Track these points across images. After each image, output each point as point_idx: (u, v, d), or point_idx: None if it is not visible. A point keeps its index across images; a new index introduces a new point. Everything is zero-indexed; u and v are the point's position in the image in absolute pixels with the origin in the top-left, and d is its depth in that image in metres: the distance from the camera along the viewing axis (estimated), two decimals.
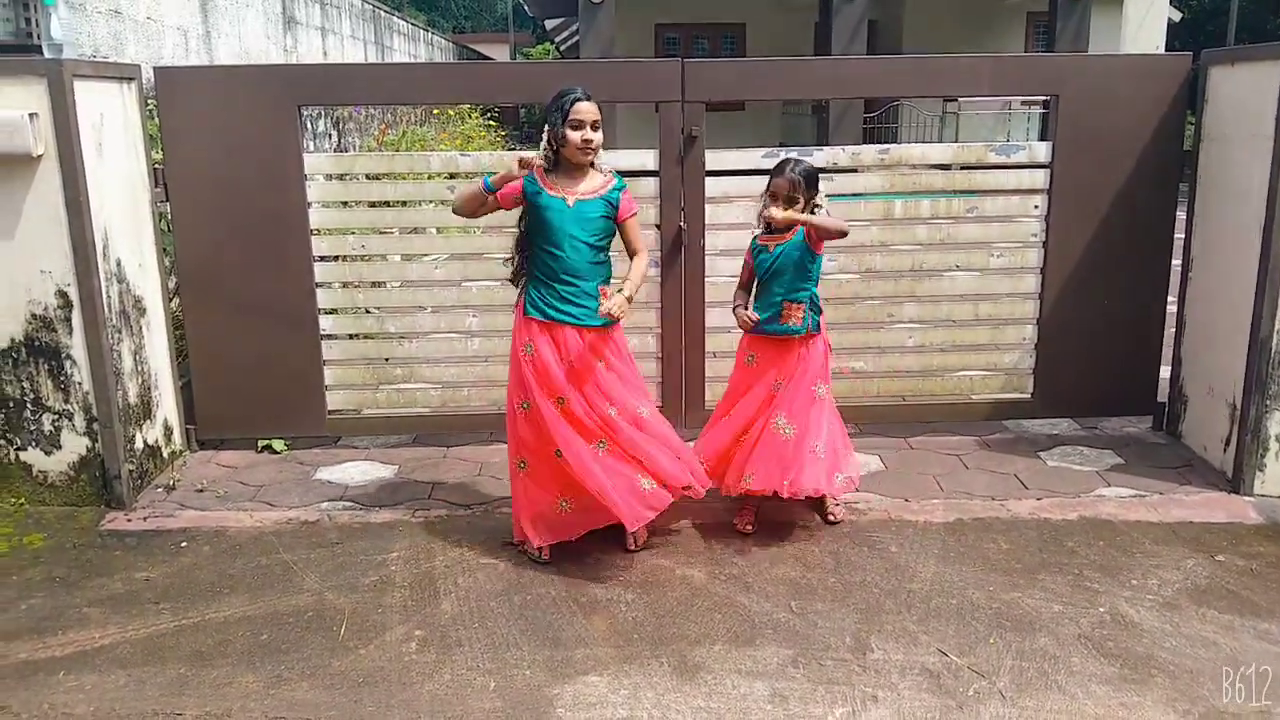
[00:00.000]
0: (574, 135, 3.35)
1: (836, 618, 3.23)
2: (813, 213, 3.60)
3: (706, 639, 3.12)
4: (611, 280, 3.54)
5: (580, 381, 3.46)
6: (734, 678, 2.92)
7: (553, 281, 3.43)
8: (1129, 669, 2.94)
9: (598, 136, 3.39)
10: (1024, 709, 2.77)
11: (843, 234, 3.59)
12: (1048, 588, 3.41)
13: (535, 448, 3.52)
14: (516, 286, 3.60)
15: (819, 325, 3.72)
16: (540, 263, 3.45)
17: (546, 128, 3.42)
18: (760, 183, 4.38)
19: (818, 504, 3.91)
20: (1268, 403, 4.06)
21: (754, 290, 3.79)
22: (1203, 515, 3.96)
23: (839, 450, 3.82)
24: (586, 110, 3.36)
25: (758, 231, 3.78)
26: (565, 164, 3.45)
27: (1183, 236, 4.56)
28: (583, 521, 3.60)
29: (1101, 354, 4.69)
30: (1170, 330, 4.70)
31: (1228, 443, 4.25)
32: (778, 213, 3.54)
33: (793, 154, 4.56)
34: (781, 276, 3.65)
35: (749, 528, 3.78)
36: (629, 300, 3.37)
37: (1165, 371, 4.78)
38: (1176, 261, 4.62)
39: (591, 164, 3.48)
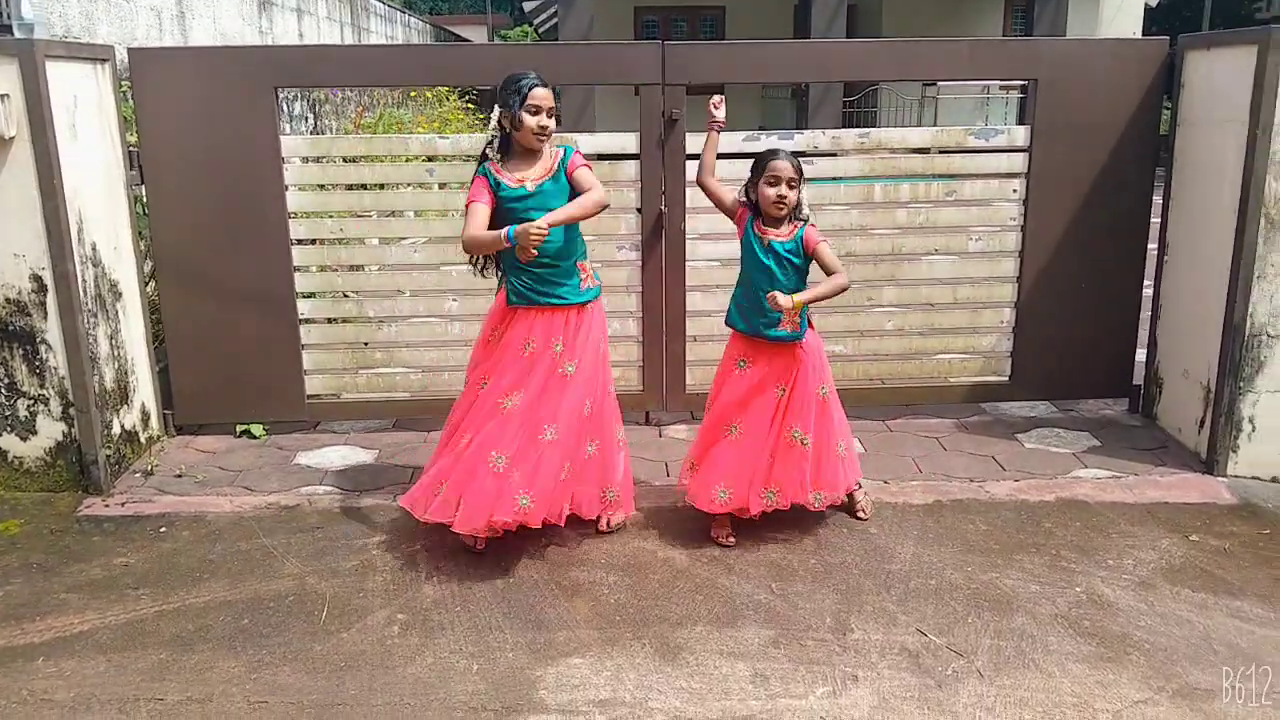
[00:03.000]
0: (531, 120, 3.33)
1: (817, 599, 3.26)
2: (798, 207, 3.48)
3: (688, 621, 3.14)
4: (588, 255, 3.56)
5: (539, 372, 3.42)
6: (716, 659, 2.95)
7: (534, 267, 3.39)
8: (1105, 647, 2.99)
9: (551, 123, 3.38)
10: (1002, 687, 2.80)
11: (844, 290, 3.45)
12: (1025, 568, 3.44)
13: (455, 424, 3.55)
14: (484, 276, 3.58)
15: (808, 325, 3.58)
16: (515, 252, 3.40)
17: (497, 110, 3.38)
18: (741, 166, 4.38)
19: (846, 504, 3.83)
20: (1241, 385, 4.11)
21: (743, 284, 3.58)
22: (1177, 496, 4.01)
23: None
24: (544, 96, 3.34)
25: (751, 215, 3.57)
26: (517, 150, 3.42)
27: (1159, 220, 4.60)
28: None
29: (1078, 337, 4.74)
30: (1146, 314, 4.75)
31: (1202, 424, 4.31)
32: (785, 300, 3.32)
33: (773, 138, 4.59)
34: (780, 278, 3.46)
35: (730, 540, 3.61)
36: (548, 224, 3.23)
37: (1141, 354, 4.83)
38: (1153, 245, 4.66)
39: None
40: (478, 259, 3.52)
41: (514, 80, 3.36)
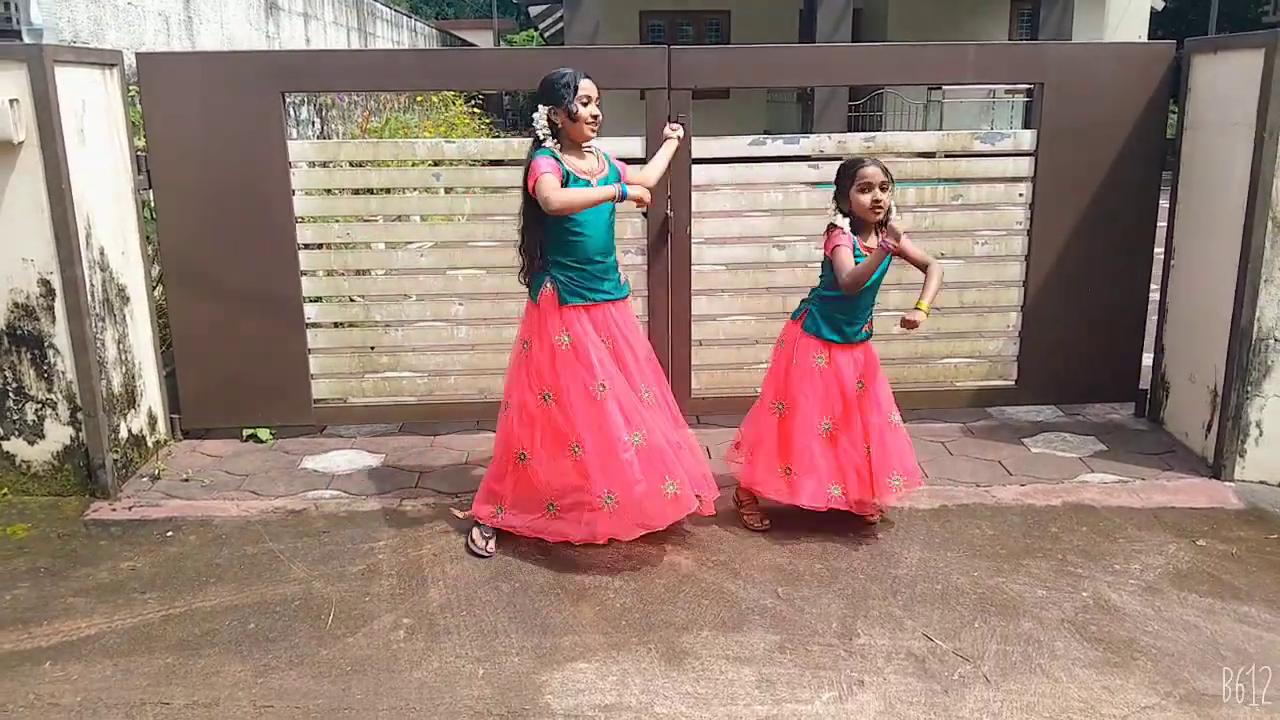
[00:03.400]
0: (585, 111, 3.37)
1: (823, 604, 3.25)
2: (886, 218, 3.47)
3: (694, 625, 3.14)
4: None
5: (623, 360, 3.51)
6: (721, 663, 2.94)
7: (584, 264, 3.44)
8: (1112, 652, 2.98)
9: (601, 113, 3.44)
10: (1008, 692, 2.80)
11: (942, 269, 3.56)
12: (1032, 573, 3.44)
13: (547, 442, 3.48)
14: (525, 283, 3.58)
15: None
16: (568, 248, 3.42)
17: (547, 107, 3.39)
18: (746, 171, 4.39)
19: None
20: (1248, 389, 4.10)
21: (846, 299, 3.55)
22: (1184, 501, 4.00)
23: None
24: (591, 86, 3.40)
25: (844, 232, 3.51)
26: (566, 144, 3.44)
27: (1165, 224, 4.59)
28: (559, 531, 3.57)
29: (1085, 341, 4.73)
30: (1153, 318, 4.74)
31: (1209, 429, 4.30)
32: (921, 316, 3.35)
33: (778, 142, 4.59)
34: (873, 289, 3.55)
35: (765, 524, 3.72)
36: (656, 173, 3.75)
37: (1148, 359, 4.82)
38: (1159, 249, 4.65)
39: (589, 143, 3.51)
40: (523, 265, 3.54)
41: (559, 77, 3.38)
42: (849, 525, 3.76)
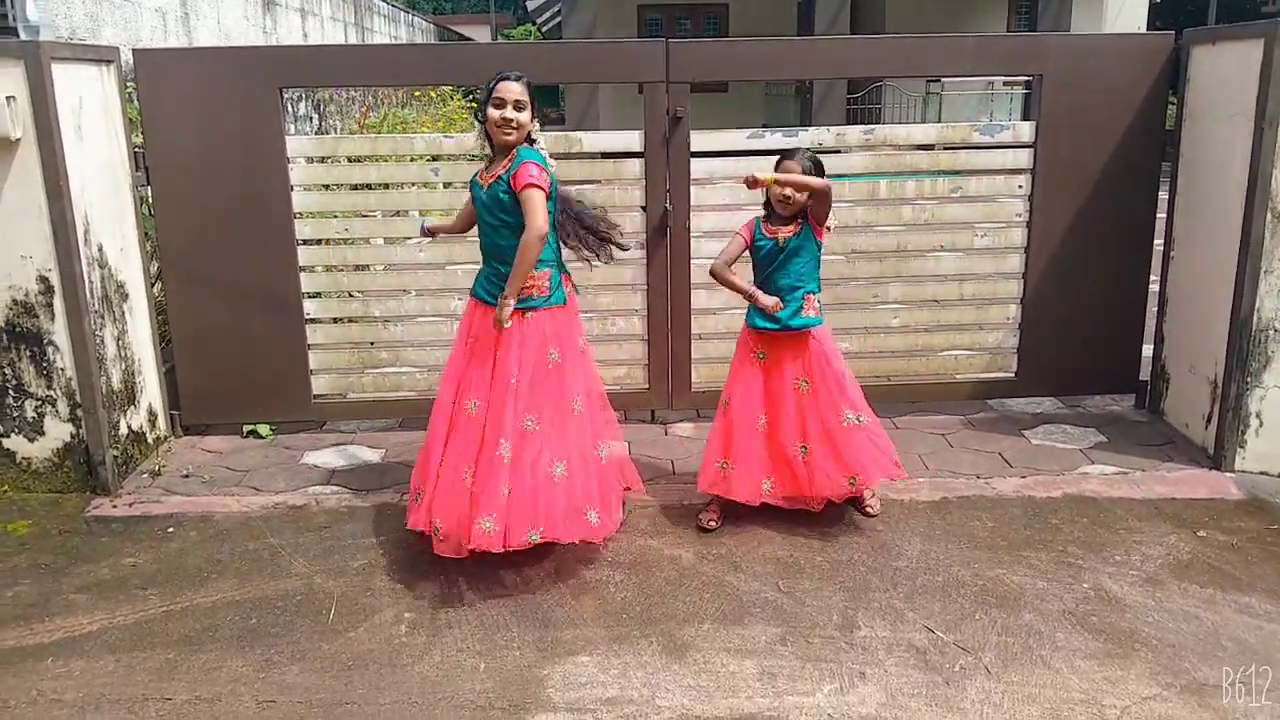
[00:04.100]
0: (494, 113, 3.32)
1: (824, 596, 3.26)
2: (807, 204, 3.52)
3: (695, 618, 3.14)
4: (562, 263, 3.51)
5: (480, 367, 3.37)
6: (723, 656, 2.95)
7: (484, 260, 3.49)
8: (1113, 643, 2.98)
9: (520, 116, 3.31)
10: (1009, 684, 2.80)
11: (827, 189, 3.44)
12: (1032, 564, 3.44)
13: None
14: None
15: None
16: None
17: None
18: (745, 164, 4.38)
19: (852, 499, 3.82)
20: (1248, 380, 4.10)
21: (757, 282, 3.63)
22: (1185, 492, 4.00)
23: None
24: (508, 89, 3.31)
25: (759, 216, 3.65)
26: (495, 147, 3.41)
27: (1165, 215, 4.59)
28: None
29: (1085, 333, 4.73)
30: (1153, 309, 4.73)
31: (1209, 420, 4.30)
32: (761, 175, 3.43)
33: (778, 134, 4.59)
34: (794, 268, 3.53)
35: (713, 523, 3.69)
36: (507, 299, 3.25)
37: (1148, 350, 4.81)
38: (1159, 240, 4.65)
39: (525, 145, 3.37)
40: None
41: (491, 76, 3.37)
42: (849, 518, 3.76)
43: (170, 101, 4.28)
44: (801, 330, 3.58)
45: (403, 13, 18.95)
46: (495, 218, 3.36)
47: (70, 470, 4.07)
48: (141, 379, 4.39)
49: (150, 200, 4.43)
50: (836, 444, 3.61)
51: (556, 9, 19.02)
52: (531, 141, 3.39)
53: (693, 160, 4.49)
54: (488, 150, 3.45)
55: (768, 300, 3.52)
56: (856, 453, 3.61)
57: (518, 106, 3.32)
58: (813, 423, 3.62)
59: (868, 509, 3.79)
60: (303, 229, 4.53)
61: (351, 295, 4.76)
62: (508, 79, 3.33)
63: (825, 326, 3.68)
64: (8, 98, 3.64)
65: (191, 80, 4.28)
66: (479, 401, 3.35)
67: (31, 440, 4.05)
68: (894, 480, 3.81)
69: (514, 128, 3.32)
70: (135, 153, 4.33)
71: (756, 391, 3.67)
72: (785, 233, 3.54)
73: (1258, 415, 4.13)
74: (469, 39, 26.09)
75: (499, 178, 3.34)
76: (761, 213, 3.67)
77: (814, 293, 3.60)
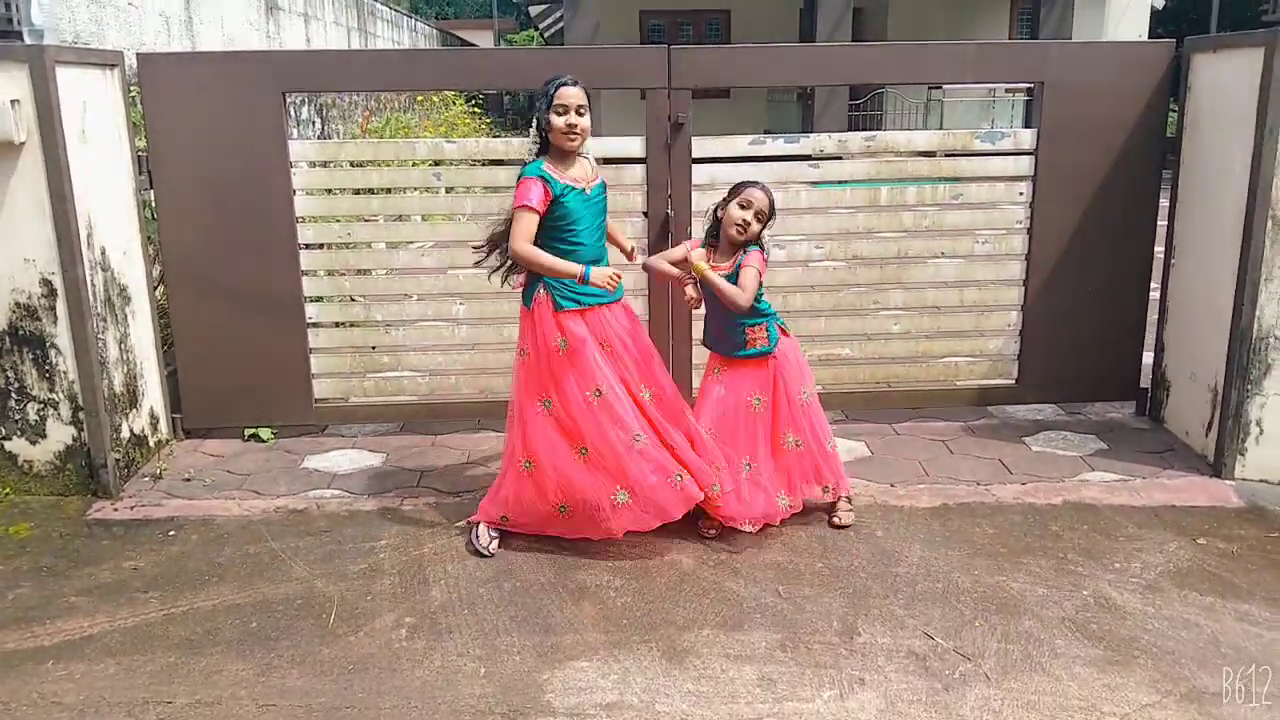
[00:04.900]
0: (558, 121, 3.35)
1: (824, 602, 3.26)
2: (759, 239, 3.57)
3: (695, 624, 3.14)
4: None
5: (620, 361, 3.50)
6: (722, 662, 2.95)
7: (595, 264, 3.45)
8: (1112, 651, 2.98)
9: (583, 121, 3.38)
10: (1009, 691, 2.80)
11: (737, 308, 3.49)
12: (1032, 571, 3.44)
13: (554, 447, 3.47)
14: (507, 283, 3.60)
15: (779, 336, 3.67)
16: (560, 255, 3.39)
17: (535, 116, 3.42)
18: (746, 170, 4.40)
19: (827, 506, 3.84)
20: (1249, 388, 4.10)
21: (705, 309, 3.71)
22: (1185, 499, 4.00)
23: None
24: (571, 95, 3.35)
25: (700, 249, 3.65)
26: (556, 152, 3.43)
27: (1166, 223, 4.59)
28: (575, 528, 3.57)
29: (1085, 340, 4.73)
30: (1153, 316, 4.74)
31: (1209, 427, 4.30)
32: (692, 291, 3.63)
33: (779, 141, 4.60)
34: (723, 311, 3.60)
35: (712, 532, 3.67)
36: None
37: (1148, 357, 4.82)
38: (1159, 248, 4.65)
39: (578, 151, 3.48)
40: (501, 263, 3.58)
41: (546, 83, 3.39)
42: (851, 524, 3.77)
43: (173, 105, 4.29)
44: (754, 356, 3.64)
45: (405, 17, 19.00)
46: (599, 219, 3.51)
47: (72, 473, 4.08)
48: (143, 382, 4.40)
49: (153, 204, 4.44)
50: (773, 463, 3.66)
51: (559, 14, 19.06)
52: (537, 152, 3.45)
53: (695, 166, 4.50)
54: (534, 153, 3.45)
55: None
56: (790, 474, 3.68)
57: (580, 112, 3.37)
58: (759, 439, 3.66)
59: (835, 519, 3.76)
60: (305, 233, 4.54)
61: (353, 299, 4.76)
62: (566, 84, 3.36)
63: (790, 346, 3.70)
64: (12, 101, 3.65)
65: (195, 84, 4.30)
66: (649, 387, 3.55)
67: (33, 443, 4.06)
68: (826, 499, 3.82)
69: (579, 133, 3.38)
70: (138, 156, 4.34)
71: (708, 405, 3.70)
72: (723, 268, 3.55)
73: (1258, 423, 4.13)
74: (472, 44, 26.12)
75: (599, 183, 3.51)
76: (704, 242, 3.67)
77: (757, 325, 3.60)
